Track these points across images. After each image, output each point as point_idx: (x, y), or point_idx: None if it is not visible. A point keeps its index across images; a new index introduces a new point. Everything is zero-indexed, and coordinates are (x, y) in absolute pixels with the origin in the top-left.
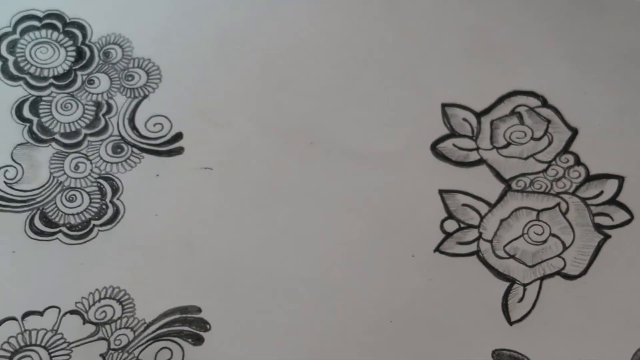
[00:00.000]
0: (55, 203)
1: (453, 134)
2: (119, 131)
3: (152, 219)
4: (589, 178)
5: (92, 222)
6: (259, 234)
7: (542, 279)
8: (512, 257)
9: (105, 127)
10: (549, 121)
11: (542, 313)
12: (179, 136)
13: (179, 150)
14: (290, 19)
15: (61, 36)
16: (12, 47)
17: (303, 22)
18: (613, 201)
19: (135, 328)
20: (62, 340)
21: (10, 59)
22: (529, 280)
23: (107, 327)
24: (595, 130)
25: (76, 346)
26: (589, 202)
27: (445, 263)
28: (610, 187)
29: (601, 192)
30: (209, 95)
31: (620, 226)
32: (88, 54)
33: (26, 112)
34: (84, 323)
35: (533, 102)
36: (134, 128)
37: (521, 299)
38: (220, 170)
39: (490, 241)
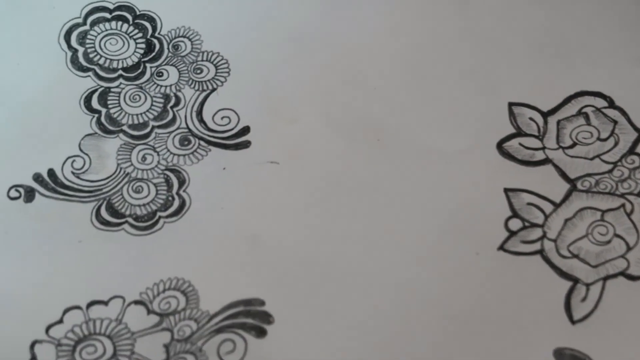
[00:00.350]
0: (121, 194)
1: (519, 133)
2: (186, 124)
3: (218, 211)
4: None
5: (158, 213)
6: (324, 229)
7: (605, 279)
8: (576, 256)
9: (173, 120)
10: (615, 122)
11: (604, 313)
12: (246, 130)
13: (246, 144)
14: (360, 15)
15: (131, 28)
16: (82, 38)
17: (372, 19)
18: None
19: (199, 319)
20: (125, 330)
21: (80, 50)
22: (592, 280)
23: (171, 317)
24: None
25: (140, 336)
26: None
27: (509, 261)
28: None
29: None
30: (277, 90)
31: None
32: (157, 46)
33: (95, 103)
34: (148, 313)
35: (600, 102)
36: (201, 121)
37: (584, 299)
38: (287, 164)
39: (554, 240)
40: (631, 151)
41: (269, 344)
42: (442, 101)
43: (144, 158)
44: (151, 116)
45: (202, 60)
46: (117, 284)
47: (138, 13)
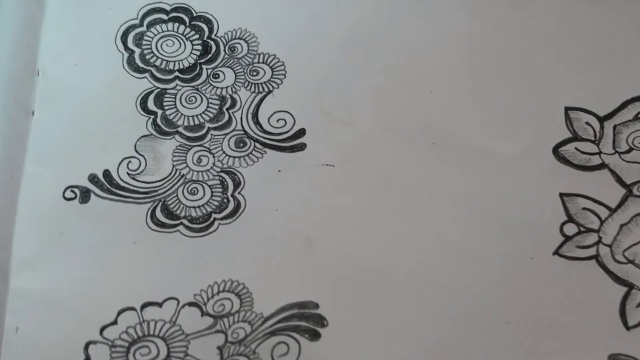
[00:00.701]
0: (177, 195)
1: (576, 137)
2: (242, 126)
3: (273, 214)
4: None
5: (213, 215)
6: (378, 232)
7: None
8: (631, 262)
9: (229, 122)
10: None
11: None
12: (301, 132)
13: (301, 147)
14: (417, 18)
15: (187, 30)
16: (138, 40)
17: (429, 21)
18: None
19: (253, 322)
20: (179, 332)
21: (137, 51)
22: None
23: (225, 320)
24: None
25: (194, 338)
26: None
27: (564, 266)
28: None
29: None
30: (333, 93)
31: None
32: (214, 48)
33: (151, 105)
34: (202, 315)
35: None
36: (257, 123)
37: (639, 304)
38: (342, 167)
39: (610, 246)
40: None
41: (322, 347)
42: (498, 105)
43: (199, 160)
44: (207, 118)
45: (258, 62)
46: (171, 286)
47: (195, 15)
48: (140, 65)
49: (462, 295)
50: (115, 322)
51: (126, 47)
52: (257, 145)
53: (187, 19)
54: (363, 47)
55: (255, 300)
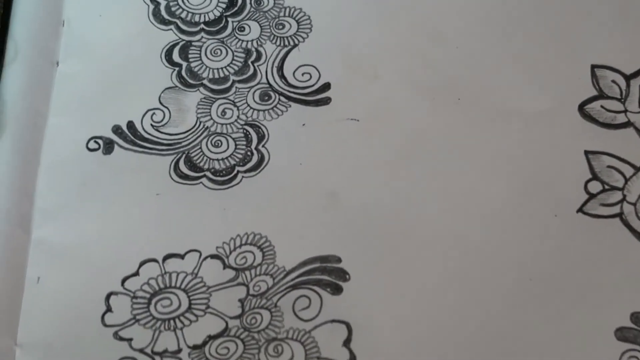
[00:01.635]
0: (200, 148)
1: (601, 95)
2: (267, 79)
3: (297, 167)
4: None
5: (237, 168)
6: (402, 188)
7: None
8: None
9: (254, 75)
10: None
11: None
12: (326, 86)
13: (326, 101)
14: None
15: None
16: None
17: None
18: None
19: (275, 275)
20: (201, 284)
21: (162, 3)
22: None
23: (247, 272)
24: None
25: (215, 290)
26: None
27: (588, 224)
28: None
29: None
30: (358, 47)
31: None
32: (240, 1)
33: (176, 57)
34: (224, 268)
35: None
36: (282, 76)
37: None
38: (366, 122)
39: (634, 204)
40: None
41: (344, 301)
42: (524, 62)
43: (223, 112)
44: (232, 71)
45: (284, 16)
46: (193, 238)
47: None
48: (166, 17)
49: (485, 252)
50: (136, 274)
51: None
52: (282, 98)
53: None
54: (390, 2)
55: (277, 253)
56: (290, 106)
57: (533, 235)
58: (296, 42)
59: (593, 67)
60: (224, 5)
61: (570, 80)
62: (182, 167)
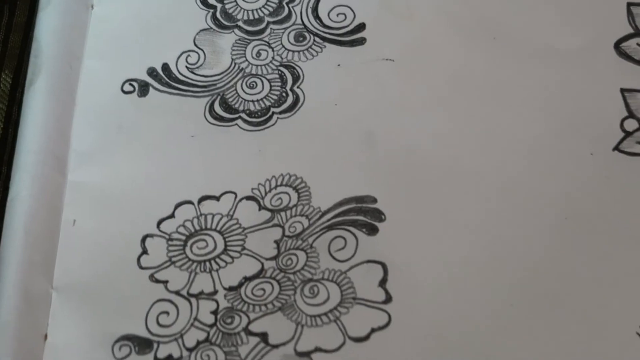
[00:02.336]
0: (235, 89)
1: (637, 33)
2: (302, 20)
3: (332, 108)
4: None
5: (272, 109)
6: (439, 128)
7: None
8: None
9: (289, 16)
10: None
11: None
12: (361, 27)
13: (361, 41)
14: None
15: None
16: None
17: None
18: None
19: (310, 216)
20: (237, 226)
21: None
22: None
23: (282, 214)
24: None
25: (251, 232)
26: None
27: (624, 162)
28: None
29: None
30: None
31: None
32: None
33: None
34: (259, 209)
35: None
36: (317, 17)
37: None
38: (402, 62)
39: None
40: None
41: (380, 241)
42: (559, 0)
43: (258, 54)
44: (267, 12)
45: None
46: (229, 180)
47: None
48: None
49: (522, 192)
50: (172, 216)
51: None
52: (317, 39)
53: None
54: None
55: (312, 194)
56: (325, 47)
57: (569, 174)
58: None
59: (629, 4)
60: None
61: (606, 18)
62: (217, 108)
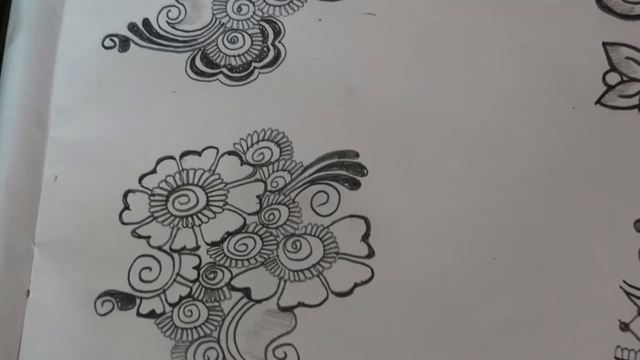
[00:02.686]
0: (216, 44)
1: None
2: None
3: (313, 62)
4: None
5: (253, 64)
6: (420, 82)
7: None
8: None
9: None
10: None
11: None
12: None
13: None
14: None
15: None
16: None
17: None
18: None
19: (293, 171)
20: (219, 181)
21: None
22: None
23: (265, 169)
24: None
25: (233, 187)
26: None
27: (606, 116)
28: None
29: None
30: None
31: None
32: None
33: None
34: (241, 164)
35: None
36: None
37: None
38: (383, 16)
39: None
40: None
41: (362, 196)
42: None
43: (239, 8)
44: None
45: None
46: (210, 135)
47: None
48: None
49: (503, 146)
50: (154, 171)
51: None
52: None
53: None
54: None
55: (295, 149)
56: (306, 1)
57: (551, 128)
58: None
59: None
60: None
61: None
62: (199, 63)
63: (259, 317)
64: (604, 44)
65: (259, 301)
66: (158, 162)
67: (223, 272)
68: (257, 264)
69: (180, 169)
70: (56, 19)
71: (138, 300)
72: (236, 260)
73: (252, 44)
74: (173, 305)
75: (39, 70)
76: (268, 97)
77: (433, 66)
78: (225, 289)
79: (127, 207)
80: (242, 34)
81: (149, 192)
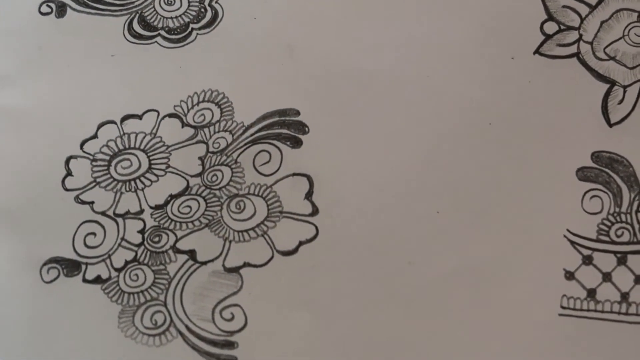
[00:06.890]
0: (153, 6)
1: None
2: None
3: (251, 22)
4: None
5: (191, 25)
6: (360, 39)
7: None
8: (612, 58)
9: None
10: None
11: None
12: None
13: None
14: None
15: None
16: None
17: None
18: None
19: (234, 131)
20: (160, 144)
21: None
22: (630, 82)
23: (206, 130)
24: None
25: (175, 149)
26: None
27: (545, 65)
28: None
29: None
30: None
31: None
32: None
33: None
34: (182, 126)
35: None
36: None
37: (621, 101)
38: None
39: (591, 43)
40: None
41: (304, 154)
42: None
43: None
44: None
45: None
46: (150, 98)
47: None
48: None
49: (443, 99)
50: (95, 136)
51: None
52: None
53: None
54: None
55: (235, 109)
56: None
57: (491, 79)
58: None
59: None
60: None
61: None
62: (136, 26)
63: (205, 278)
64: None
65: (204, 263)
66: (99, 127)
67: (168, 235)
68: (202, 225)
69: (122, 133)
70: None
71: (84, 266)
72: (180, 222)
73: (189, 6)
74: (119, 270)
75: None
76: (207, 58)
77: (371, 21)
78: (170, 251)
79: (69, 173)
80: None
81: (91, 157)
